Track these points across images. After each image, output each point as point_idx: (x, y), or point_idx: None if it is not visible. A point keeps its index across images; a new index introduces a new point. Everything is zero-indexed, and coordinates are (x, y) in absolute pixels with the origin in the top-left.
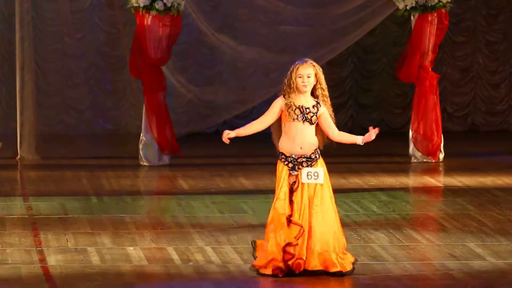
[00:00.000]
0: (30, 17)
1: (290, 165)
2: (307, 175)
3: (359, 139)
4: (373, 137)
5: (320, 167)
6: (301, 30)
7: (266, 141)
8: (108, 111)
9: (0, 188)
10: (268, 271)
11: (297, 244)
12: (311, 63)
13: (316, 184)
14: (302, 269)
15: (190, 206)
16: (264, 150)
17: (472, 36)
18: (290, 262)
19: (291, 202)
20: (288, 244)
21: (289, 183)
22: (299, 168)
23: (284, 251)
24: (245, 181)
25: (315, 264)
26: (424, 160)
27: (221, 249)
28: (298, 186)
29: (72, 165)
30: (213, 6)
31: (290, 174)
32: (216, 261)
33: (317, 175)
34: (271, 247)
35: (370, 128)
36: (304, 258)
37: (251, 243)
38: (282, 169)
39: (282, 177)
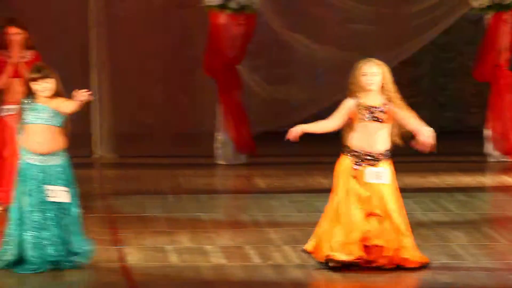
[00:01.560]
0: (105, 16)
1: (355, 159)
2: (371, 174)
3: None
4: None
5: (385, 167)
6: (374, 29)
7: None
8: (184, 110)
9: (79, 186)
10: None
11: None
12: (376, 61)
13: (380, 184)
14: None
15: (268, 205)
16: (341, 148)
17: None
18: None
19: (359, 197)
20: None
21: (352, 177)
22: (362, 165)
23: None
24: (322, 180)
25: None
26: (501, 159)
27: (300, 248)
28: (360, 182)
29: (149, 164)
30: (287, 5)
31: (353, 168)
32: (294, 260)
33: (381, 175)
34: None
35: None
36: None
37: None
38: (344, 163)
39: (345, 171)
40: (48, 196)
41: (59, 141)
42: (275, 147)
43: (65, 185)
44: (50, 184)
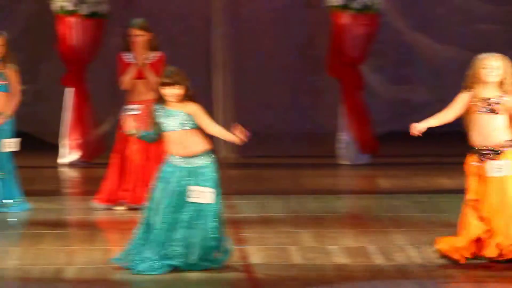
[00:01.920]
0: (229, 16)
1: (477, 155)
2: (491, 168)
3: None
4: None
5: (506, 160)
6: (498, 28)
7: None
8: (307, 110)
9: None
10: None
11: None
12: (496, 55)
13: (501, 177)
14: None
15: (390, 205)
16: (464, 149)
17: None
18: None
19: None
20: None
21: (474, 174)
22: (484, 160)
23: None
24: (446, 180)
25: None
26: None
27: (423, 249)
28: (481, 179)
29: (271, 164)
30: (410, 5)
31: (474, 165)
32: (417, 260)
33: (502, 167)
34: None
35: None
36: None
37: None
38: (468, 162)
39: (469, 171)
40: (190, 197)
41: (199, 143)
42: (398, 147)
43: (210, 186)
44: (194, 185)
